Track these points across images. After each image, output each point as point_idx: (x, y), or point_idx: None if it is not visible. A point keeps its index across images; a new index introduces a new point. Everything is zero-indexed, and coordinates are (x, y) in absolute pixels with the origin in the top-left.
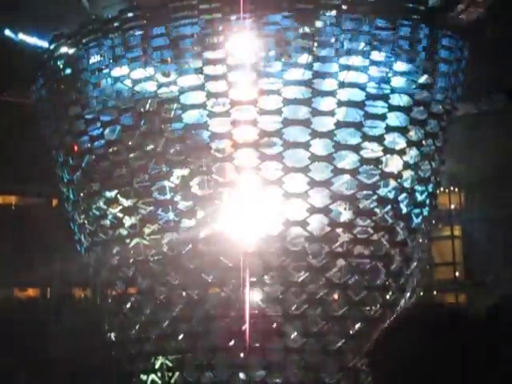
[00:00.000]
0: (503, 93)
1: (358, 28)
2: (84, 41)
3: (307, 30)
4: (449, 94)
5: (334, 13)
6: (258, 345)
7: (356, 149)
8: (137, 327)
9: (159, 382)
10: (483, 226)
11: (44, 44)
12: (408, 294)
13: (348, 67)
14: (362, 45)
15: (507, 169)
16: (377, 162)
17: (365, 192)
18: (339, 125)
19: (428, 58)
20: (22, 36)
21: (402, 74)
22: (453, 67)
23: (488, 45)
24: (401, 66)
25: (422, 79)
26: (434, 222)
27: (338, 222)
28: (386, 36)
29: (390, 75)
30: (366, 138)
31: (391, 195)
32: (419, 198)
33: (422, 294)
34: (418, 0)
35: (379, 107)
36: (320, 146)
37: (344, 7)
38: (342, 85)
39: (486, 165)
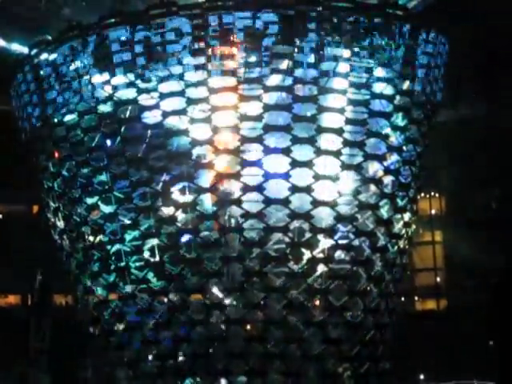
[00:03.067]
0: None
1: (337, 33)
2: (64, 47)
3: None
4: (429, 100)
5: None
6: (239, 351)
7: (337, 154)
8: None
9: None
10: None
11: (24, 50)
12: (389, 299)
13: (328, 73)
14: (342, 50)
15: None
16: (358, 167)
17: (346, 198)
18: (320, 130)
19: (407, 62)
20: (1, 43)
21: (383, 79)
22: (433, 72)
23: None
24: (381, 71)
25: (402, 85)
26: (414, 227)
27: (320, 227)
28: (366, 41)
29: (370, 81)
30: (346, 143)
31: (372, 200)
32: (400, 203)
33: (403, 299)
34: (396, 4)
35: (360, 112)
36: (301, 152)
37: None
38: (322, 91)
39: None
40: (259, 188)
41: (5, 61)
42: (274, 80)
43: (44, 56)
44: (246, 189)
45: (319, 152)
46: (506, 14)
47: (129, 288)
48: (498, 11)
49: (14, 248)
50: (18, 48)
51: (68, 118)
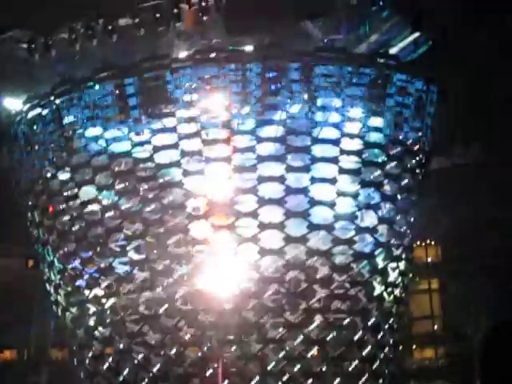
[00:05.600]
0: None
1: (328, 83)
2: (57, 101)
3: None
4: (422, 148)
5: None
6: None
7: (331, 205)
8: None
9: None
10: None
11: (18, 105)
12: (387, 349)
13: (321, 123)
14: (335, 101)
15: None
16: (352, 217)
17: (341, 247)
18: (313, 180)
19: (399, 111)
20: None
21: (376, 129)
22: (425, 120)
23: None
24: (374, 121)
25: (395, 133)
26: (411, 275)
27: (315, 277)
28: (358, 91)
29: (363, 130)
30: (340, 193)
31: (367, 250)
32: (395, 252)
33: (401, 348)
34: (387, 53)
35: (353, 162)
36: (295, 203)
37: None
38: (315, 141)
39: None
40: (254, 239)
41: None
42: (267, 131)
43: (37, 110)
44: (241, 240)
45: (313, 202)
46: (500, 59)
47: (125, 342)
48: (491, 56)
49: (9, 302)
50: (10, 103)
51: (61, 172)
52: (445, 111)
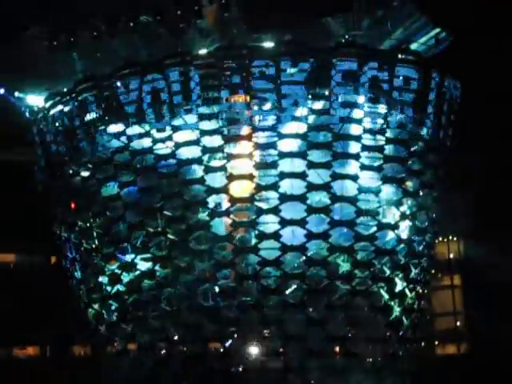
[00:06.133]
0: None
1: (351, 79)
2: (79, 98)
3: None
4: (444, 143)
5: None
6: None
7: (353, 201)
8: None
9: None
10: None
11: (39, 102)
12: (408, 346)
13: (343, 119)
14: (357, 97)
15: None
16: (374, 213)
17: (362, 243)
18: (335, 177)
19: (424, 107)
20: (17, 94)
21: (397, 125)
22: (447, 116)
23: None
24: (396, 117)
25: (417, 130)
26: (433, 271)
27: (337, 273)
28: (380, 87)
29: (385, 126)
30: (362, 189)
31: (389, 246)
32: (417, 248)
33: (423, 344)
34: (408, 49)
35: (375, 158)
36: (316, 198)
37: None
38: (337, 137)
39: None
40: (275, 235)
41: (21, 113)
42: (289, 127)
43: (59, 107)
44: (263, 236)
45: (335, 198)
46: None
47: (146, 337)
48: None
49: (32, 299)
50: (32, 100)
51: (83, 168)
52: (468, 108)
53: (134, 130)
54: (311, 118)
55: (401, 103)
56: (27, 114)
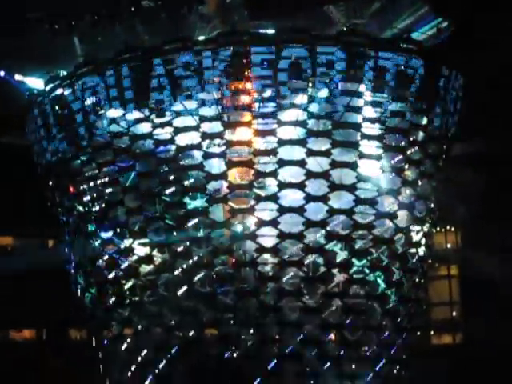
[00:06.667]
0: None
1: (351, 67)
2: (79, 82)
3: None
4: (444, 133)
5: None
6: None
7: (351, 189)
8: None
9: None
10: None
11: (40, 85)
12: (404, 334)
13: (343, 108)
14: (357, 85)
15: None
16: (372, 202)
17: (360, 232)
18: (334, 165)
19: (422, 96)
20: (18, 77)
21: (397, 114)
22: (447, 106)
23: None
24: (395, 105)
25: (417, 119)
26: (430, 261)
27: (334, 262)
28: (380, 76)
29: (385, 115)
30: (360, 178)
31: (387, 235)
32: (415, 237)
33: (419, 333)
34: (410, 38)
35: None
36: (315, 187)
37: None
38: (336, 125)
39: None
40: (273, 222)
41: (20, 95)
42: (289, 115)
43: (59, 91)
44: (261, 223)
45: (333, 186)
46: None
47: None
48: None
49: (28, 281)
50: (33, 83)
51: (82, 152)
52: (468, 98)
53: (134, 115)
54: (311, 106)
55: (401, 92)
56: (27, 97)
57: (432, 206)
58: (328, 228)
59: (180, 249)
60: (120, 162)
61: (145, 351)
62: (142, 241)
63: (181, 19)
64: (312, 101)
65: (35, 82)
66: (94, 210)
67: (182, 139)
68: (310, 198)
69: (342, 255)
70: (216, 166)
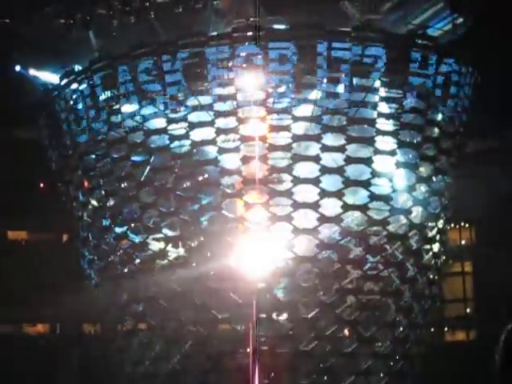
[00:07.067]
0: None
1: (369, 62)
2: (94, 77)
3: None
4: (458, 129)
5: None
6: (267, 382)
7: (366, 185)
8: (146, 363)
9: None
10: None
11: (55, 80)
12: (418, 331)
13: (357, 103)
14: (372, 80)
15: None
16: (386, 198)
17: (375, 228)
18: (349, 161)
19: (438, 92)
20: (32, 72)
21: (412, 110)
22: (461, 102)
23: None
24: (410, 101)
25: (431, 115)
26: (444, 257)
27: (348, 258)
28: (395, 72)
29: (399, 111)
30: (375, 173)
31: (401, 231)
32: (429, 233)
33: (432, 330)
34: (425, 34)
35: (389, 143)
36: (330, 182)
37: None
38: (351, 121)
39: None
40: (288, 218)
41: (34, 90)
42: (303, 110)
43: (73, 86)
44: (275, 218)
45: (348, 182)
46: None
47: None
48: None
49: (42, 276)
50: (47, 77)
51: (97, 147)
52: (481, 93)
53: (149, 110)
54: (326, 102)
55: (416, 88)
56: (42, 92)
57: (446, 202)
58: (342, 224)
59: (194, 244)
60: (134, 157)
61: (158, 346)
62: (157, 236)
63: (196, 14)
64: (326, 96)
65: (50, 78)
66: (108, 204)
67: (197, 134)
68: (324, 195)
69: (355, 251)
70: (230, 161)
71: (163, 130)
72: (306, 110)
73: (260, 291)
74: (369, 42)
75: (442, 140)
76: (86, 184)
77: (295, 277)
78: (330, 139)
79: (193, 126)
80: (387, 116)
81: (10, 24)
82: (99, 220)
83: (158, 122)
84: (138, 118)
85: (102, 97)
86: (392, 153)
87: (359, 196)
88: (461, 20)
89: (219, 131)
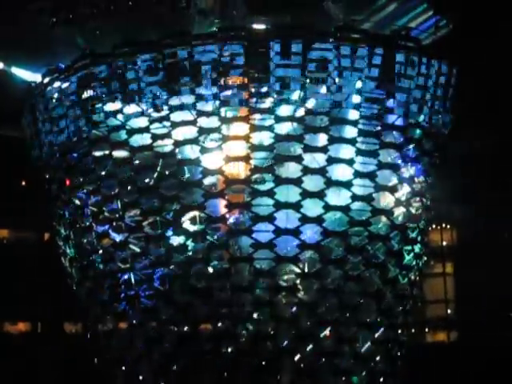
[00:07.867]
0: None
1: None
2: (77, 75)
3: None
4: (440, 131)
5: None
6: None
7: (348, 185)
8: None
9: None
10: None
11: (37, 78)
12: (399, 331)
13: (339, 104)
14: (354, 81)
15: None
16: (368, 198)
17: (356, 228)
18: (331, 161)
19: (421, 93)
20: (14, 70)
21: (394, 111)
22: (444, 103)
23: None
24: (393, 103)
25: (413, 116)
26: (425, 258)
27: (330, 258)
28: (378, 73)
29: (382, 112)
30: (357, 174)
31: (382, 232)
32: (410, 234)
33: (413, 331)
34: (408, 35)
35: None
36: (312, 183)
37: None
38: (333, 121)
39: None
40: (269, 218)
41: (17, 88)
42: (286, 110)
43: (56, 84)
44: (256, 219)
45: (330, 183)
46: None
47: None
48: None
49: (23, 275)
50: (30, 76)
51: (79, 146)
52: (464, 96)
53: (131, 108)
54: (308, 102)
55: (399, 89)
56: (24, 90)
57: (428, 203)
58: (324, 224)
59: (176, 243)
60: (116, 156)
61: (139, 345)
62: (138, 235)
63: (179, 14)
64: (309, 97)
65: (32, 76)
66: (90, 203)
67: (179, 134)
68: (306, 194)
69: (337, 251)
70: (212, 161)
71: (145, 129)
72: (288, 110)
73: (242, 290)
74: (351, 42)
75: (424, 141)
76: (67, 182)
77: (277, 277)
78: (312, 139)
79: (175, 125)
80: (369, 117)
81: None
82: (81, 218)
83: (141, 121)
84: (120, 116)
85: (85, 95)
86: (374, 153)
87: (341, 196)
88: (443, 22)
89: (201, 131)
